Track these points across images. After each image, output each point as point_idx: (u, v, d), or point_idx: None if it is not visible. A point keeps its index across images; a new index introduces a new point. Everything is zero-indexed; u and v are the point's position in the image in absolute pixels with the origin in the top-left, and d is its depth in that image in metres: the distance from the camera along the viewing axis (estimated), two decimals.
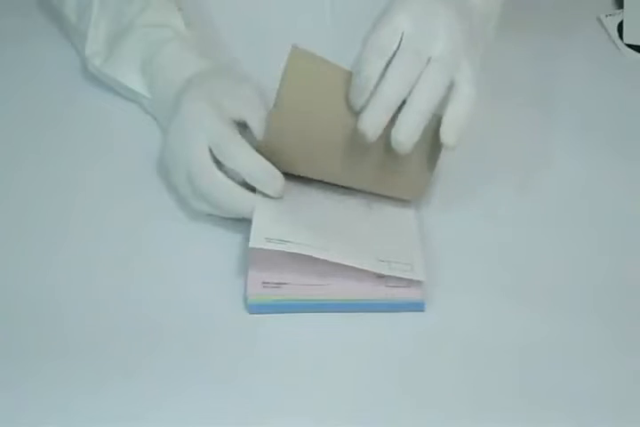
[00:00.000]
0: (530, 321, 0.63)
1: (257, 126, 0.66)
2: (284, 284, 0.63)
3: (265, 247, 0.62)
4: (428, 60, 0.62)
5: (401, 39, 0.62)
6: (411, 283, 0.63)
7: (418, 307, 0.63)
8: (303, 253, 0.62)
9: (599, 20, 0.87)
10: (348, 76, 0.64)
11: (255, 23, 0.78)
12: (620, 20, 0.86)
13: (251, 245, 0.62)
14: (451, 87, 0.63)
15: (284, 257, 0.63)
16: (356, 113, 0.63)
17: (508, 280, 0.65)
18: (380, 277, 0.63)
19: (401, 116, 0.62)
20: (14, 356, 0.61)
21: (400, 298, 0.63)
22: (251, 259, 0.65)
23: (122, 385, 0.59)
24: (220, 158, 0.64)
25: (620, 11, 0.87)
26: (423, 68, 0.62)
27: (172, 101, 0.68)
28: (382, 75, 0.62)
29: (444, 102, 0.63)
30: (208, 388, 0.59)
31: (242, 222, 0.67)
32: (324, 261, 0.63)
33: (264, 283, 0.63)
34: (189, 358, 0.61)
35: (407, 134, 0.61)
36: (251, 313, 0.63)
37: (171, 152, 0.67)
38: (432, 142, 0.65)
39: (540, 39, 0.84)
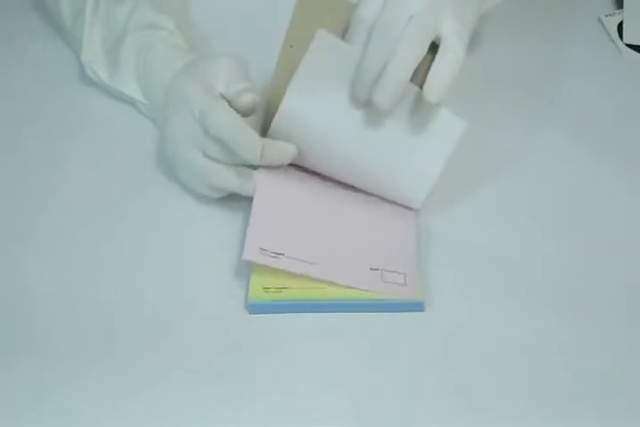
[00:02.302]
0: (530, 321, 0.63)
1: (235, 92, 0.66)
2: (281, 254, 0.63)
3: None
4: (410, 16, 0.62)
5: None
6: (410, 283, 0.63)
7: (418, 307, 0.63)
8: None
9: (599, 20, 0.87)
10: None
11: (242, 21, 0.79)
12: (620, 20, 0.86)
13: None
14: (439, 41, 0.63)
15: (283, 229, 0.65)
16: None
17: (508, 280, 0.65)
18: (375, 269, 0.64)
19: (380, 82, 0.63)
20: (14, 357, 0.61)
21: (400, 298, 0.63)
22: (251, 223, 0.65)
23: (120, 385, 0.59)
24: (206, 127, 0.64)
25: (620, 11, 0.87)
26: (403, 29, 0.62)
27: (165, 100, 0.68)
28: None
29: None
30: (207, 387, 0.59)
31: (242, 223, 0.68)
32: (322, 243, 0.64)
33: (262, 249, 0.63)
34: (189, 358, 0.61)
35: (386, 98, 0.63)
36: (251, 313, 0.63)
37: (171, 139, 0.67)
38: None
39: (540, 39, 0.84)
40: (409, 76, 0.63)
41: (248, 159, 0.65)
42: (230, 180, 0.66)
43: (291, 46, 0.66)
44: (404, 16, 0.62)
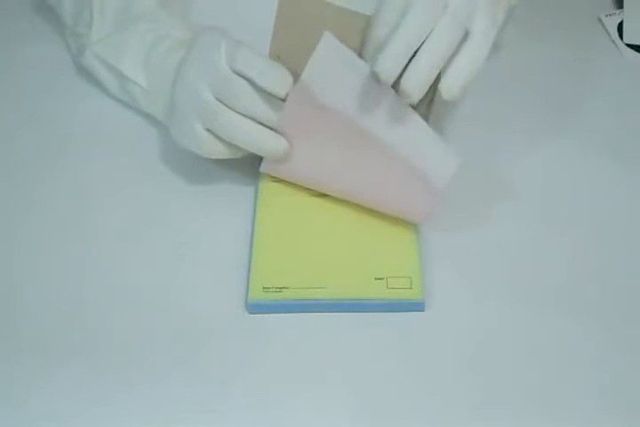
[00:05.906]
0: (529, 321, 0.63)
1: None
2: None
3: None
4: (445, 6, 0.60)
5: None
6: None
7: (418, 307, 0.63)
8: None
9: (599, 20, 0.87)
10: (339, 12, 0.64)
11: (250, 24, 0.79)
12: (619, 20, 0.86)
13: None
14: (465, 36, 0.61)
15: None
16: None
17: (508, 280, 0.66)
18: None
19: (410, 66, 0.60)
20: (12, 356, 0.62)
21: (400, 298, 0.63)
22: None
23: (120, 385, 0.59)
24: (234, 65, 0.63)
25: (620, 11, 0.87)
26: (439, 16, 0.60)
27: (170, 88, 0.68)
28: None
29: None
30: (208, 387, 0.59)
31: (243, 223, 0.68)
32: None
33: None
34: (189, 358, 0.61)
35: (415, 84, 0.60)
36: (251, 313, 0.63)
37: (185, 81, 0.66)
38: None
39: (539, 39, 0.84)
40: (439, 69, 0.60)
41: (277, 92, 0.62)
42: (243, 124, 0.64)
43: (278, 57, 0.65)
44: (440, 3, 0.60)
